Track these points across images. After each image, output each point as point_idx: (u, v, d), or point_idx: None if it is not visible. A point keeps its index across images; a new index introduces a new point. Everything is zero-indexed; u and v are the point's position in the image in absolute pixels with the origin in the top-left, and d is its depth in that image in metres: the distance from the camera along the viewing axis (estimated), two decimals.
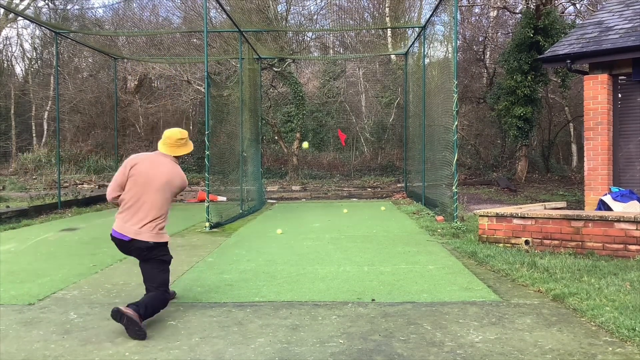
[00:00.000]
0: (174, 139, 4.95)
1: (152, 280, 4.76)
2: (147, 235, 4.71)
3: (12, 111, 28.07)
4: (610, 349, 3.91)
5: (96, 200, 16.28)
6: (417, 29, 15.04)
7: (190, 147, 5.10)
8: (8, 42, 31.75)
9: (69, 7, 26.60)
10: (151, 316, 4.59)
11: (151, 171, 4.79)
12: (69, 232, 10.32)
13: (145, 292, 4.78)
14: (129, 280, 6.25)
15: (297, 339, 4.20)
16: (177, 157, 5.03)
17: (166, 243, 4.91)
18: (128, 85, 26.41)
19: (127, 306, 4.39)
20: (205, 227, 10.51)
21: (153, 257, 4.79)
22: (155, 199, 4.76)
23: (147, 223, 4.71)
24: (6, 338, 4.32)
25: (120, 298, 5.47)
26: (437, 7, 12.27)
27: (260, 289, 5.79)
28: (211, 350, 4.01)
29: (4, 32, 29.18)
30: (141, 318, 4.36)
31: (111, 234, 4.80)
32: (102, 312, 4.98)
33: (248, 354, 3.93)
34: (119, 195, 4.81)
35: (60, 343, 4.20)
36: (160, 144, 5.01)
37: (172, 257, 5.01)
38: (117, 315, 4.30)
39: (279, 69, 21.51)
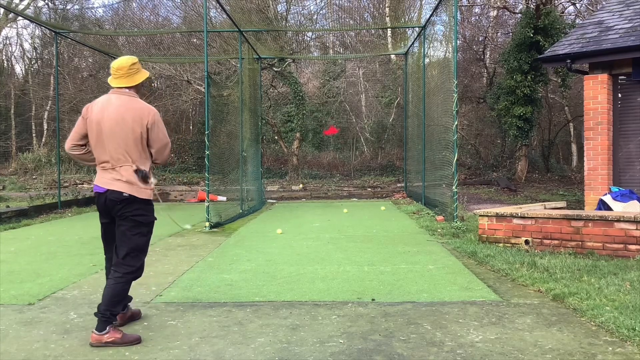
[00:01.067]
0: (126, 67, 4.34)
1: (122, 243, 4.25)
2: (119, 185, 4.19)
3: (12, 111, 28.07)
4: (611, 348, 3.91)
5: None
6: (417, 29, 15.04)
7: (146, 73, 4.49)
8: (8, 42, 31.75)
9: (68, 7, 26.60)
10: (121, 304, 4.34)
11: (100, 115, 4.25)
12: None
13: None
14: None
15: (297, 339, 4.20)
16: (137, 89, 4.43)
17: (147, 201, 4.31)
18: None
19: (96, 327, 4.11)
20: (205, 226, 10.51)
21: (127, 215, 4.22)
22: (112, 144, 4.20)
23: (116, 172, 4.21)
24: (6, 338, 4.32)
25: None
26: (437, 7, 12.27)
27: (260, 288, 5.79)
28: (211, 350, 4.01)
29: (3, 32, 29.19)
30: (112, 320, 4.16)
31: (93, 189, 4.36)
32: None
33: (248, 353, 3.92)
34: (79, 146, 4.38)
35: (60, 343, 4.20)
36: (110, 80, 4.39)
37: (155, 219, 4.42)
38: (99, 346, 4.06)
39: (279, 69, 21.51)
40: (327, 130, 19.50)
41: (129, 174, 4.21)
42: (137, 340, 4.15)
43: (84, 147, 4.41)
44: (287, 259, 7.44)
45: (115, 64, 4.38)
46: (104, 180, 4.25)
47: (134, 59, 4.45)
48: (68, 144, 4.41)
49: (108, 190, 4.22)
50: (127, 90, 4.36)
